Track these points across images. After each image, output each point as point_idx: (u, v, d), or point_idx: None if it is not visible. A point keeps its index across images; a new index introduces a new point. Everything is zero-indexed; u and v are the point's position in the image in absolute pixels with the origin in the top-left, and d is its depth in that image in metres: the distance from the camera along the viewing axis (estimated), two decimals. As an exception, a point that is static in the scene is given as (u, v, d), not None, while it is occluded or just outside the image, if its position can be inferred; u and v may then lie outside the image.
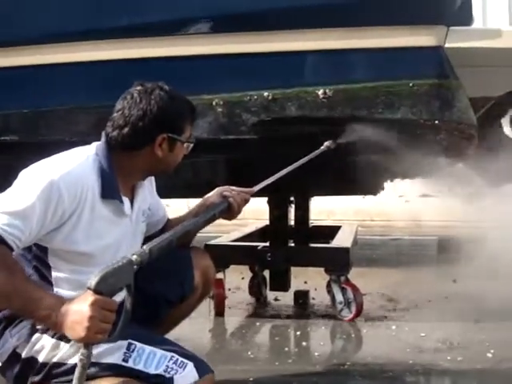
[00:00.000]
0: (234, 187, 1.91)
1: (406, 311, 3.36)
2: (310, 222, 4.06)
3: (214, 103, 2.53)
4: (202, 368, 1.56)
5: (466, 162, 3.39)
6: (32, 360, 1.59)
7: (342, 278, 3.17)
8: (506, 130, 3.83)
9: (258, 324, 3.17)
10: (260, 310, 3.46)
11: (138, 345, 1.55)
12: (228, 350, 2.80)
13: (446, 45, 2.52)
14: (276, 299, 3.62)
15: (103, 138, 1.70)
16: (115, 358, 1.54)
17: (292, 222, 3.75)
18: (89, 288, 1.35)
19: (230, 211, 1.86)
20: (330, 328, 3.11)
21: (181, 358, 1.54)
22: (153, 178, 1.89)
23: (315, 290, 3.73)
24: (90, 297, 1.35)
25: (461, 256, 4.03)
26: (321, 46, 2.46)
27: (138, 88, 1.70)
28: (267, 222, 3.64)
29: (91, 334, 1.35)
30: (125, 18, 2.56)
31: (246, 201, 1.91)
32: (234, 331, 3.14)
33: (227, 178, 2.92)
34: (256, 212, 3.76)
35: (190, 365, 1.54)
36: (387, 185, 3.96)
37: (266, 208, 3.57)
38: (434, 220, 6.14)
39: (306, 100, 2.50)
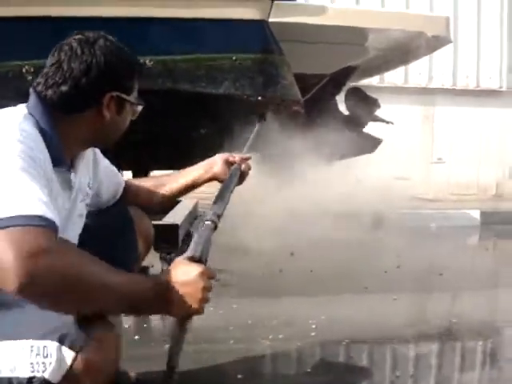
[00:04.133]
0: (233, 154, 1.88)
1: (240, 288, 3.36)
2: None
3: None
4: (72, 339, 1.17)
5: (301, 138, 3.41)
6: None
7: (173, 256, 3.08)
8: (341, 106, 3.91)
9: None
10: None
11: None
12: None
13: (271, 19, 2.47)
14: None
15: (34, 97, 1.37)
16: None
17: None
18: (192, 258, 1.28)
19: (241, 179, 1.84)
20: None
21: (42, 343, 1.18)
22: (96, 149, 1.63)
23: (152, 266, 3.63)
24: (198, 267, 1.26)
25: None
26: (140, 14, 2.33)
27: (78, 37, 1.40)
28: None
29: (201, 305, 1.26)
30: None
31: (250, 167, 1.89)
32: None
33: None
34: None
35: (54, 346, 1.17)
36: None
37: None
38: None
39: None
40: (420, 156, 8.20)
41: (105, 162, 1.70)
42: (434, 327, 2.65)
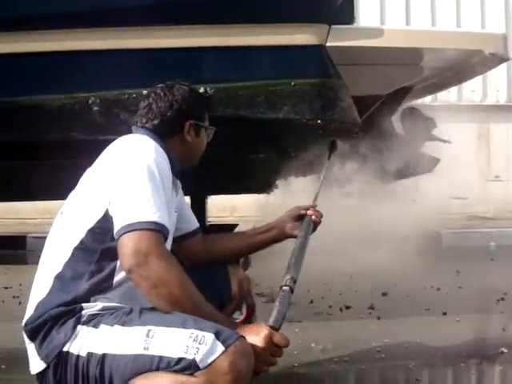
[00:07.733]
0: (300, 205, 2.04)
1: (300, 311, 3.35)
2: (208, 221, 3.98)
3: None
4: (225, 336, 1.42)
5: (357, 159, 3.41)
6: (79, 356, 1.53)
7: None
8: (397, 127, 3.89)
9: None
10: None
11: (157, 329, 1.47)
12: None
13: (328, 43, 2.50)
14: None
15: (140, 129, 1.80)
16: (136, 348, 1.46)
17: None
18: (273, 328, 1.46)
19: (314, 228, 2.00)
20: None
21: (200, 333, 1.42)
22: None
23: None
24: (265, 330, 1.46)
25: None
26: (200, 44, 2.39)
27: (160, 86, 1.87)
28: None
29: (258, 363, 1.43)
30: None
31: (322, 215, 2.04)
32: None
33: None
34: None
35: (210, 337, 1.41)
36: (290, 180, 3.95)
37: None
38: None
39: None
40: (477, 174, 8.05)
41: (184, 198, 2.00)
42: (499, 349, 2.59)
